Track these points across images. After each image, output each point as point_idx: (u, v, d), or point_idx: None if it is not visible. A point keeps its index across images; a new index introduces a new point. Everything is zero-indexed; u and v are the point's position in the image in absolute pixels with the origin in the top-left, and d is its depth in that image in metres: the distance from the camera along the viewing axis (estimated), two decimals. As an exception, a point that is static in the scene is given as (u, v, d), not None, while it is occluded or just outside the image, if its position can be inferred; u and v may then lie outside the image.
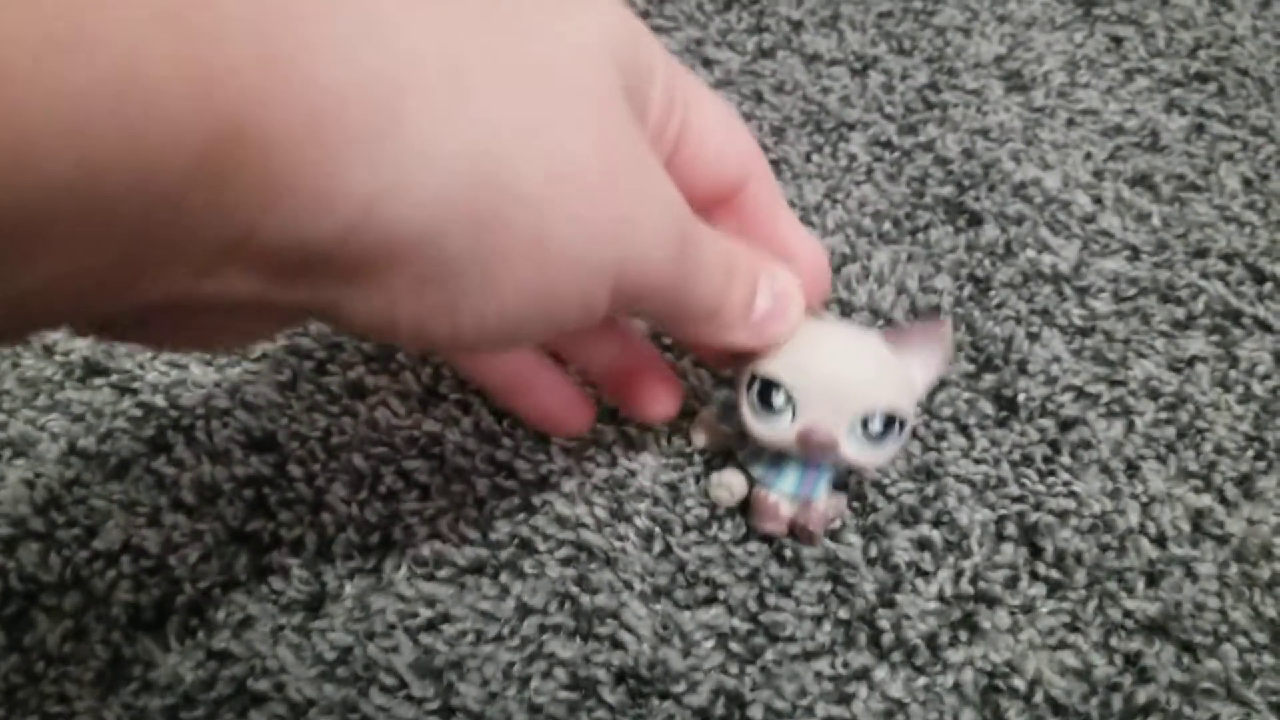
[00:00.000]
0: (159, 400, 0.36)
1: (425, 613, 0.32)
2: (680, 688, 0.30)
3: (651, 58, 0.24)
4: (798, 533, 0.33)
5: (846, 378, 0.29)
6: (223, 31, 0.16)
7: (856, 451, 0.29)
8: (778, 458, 0.32)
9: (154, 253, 0.17)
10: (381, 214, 0.18)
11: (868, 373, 0.29)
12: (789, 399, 0.29)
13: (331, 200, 0.18)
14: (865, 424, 0.29)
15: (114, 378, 0.37)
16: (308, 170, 0.17)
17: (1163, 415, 0.37)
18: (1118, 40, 0.52)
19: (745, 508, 0.34)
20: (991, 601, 0.32)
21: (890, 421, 0.29)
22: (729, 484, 0.33)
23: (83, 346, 0.37)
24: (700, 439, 0.35)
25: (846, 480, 0.34)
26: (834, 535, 0.33)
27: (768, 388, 0.29)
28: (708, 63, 0.50)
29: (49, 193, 0.15)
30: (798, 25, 0.52)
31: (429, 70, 0.18)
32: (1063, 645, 0.31)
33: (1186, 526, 0.34)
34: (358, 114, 0.17)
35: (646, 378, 0.33)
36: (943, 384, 0.37)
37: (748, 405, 0.30)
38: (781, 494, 0.32)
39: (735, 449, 0.34)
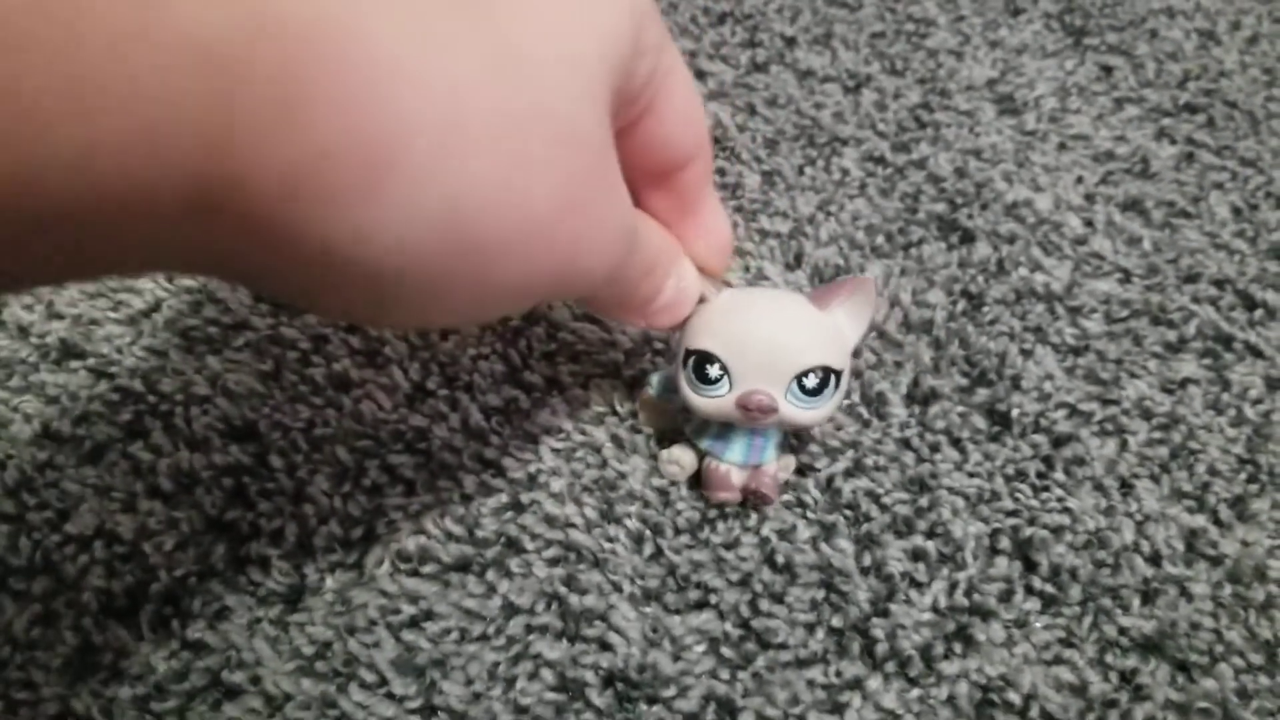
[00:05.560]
0: (137, 385, 0.35)
1: (408, 609, 0.31)
2: (670, 692, 0.30)
3: (648, 36, 0.24)
4: (752, 497, 0.33)
5: (777, 340, 0.30)
6: (244, 86, 0.16)
7: (796, 411, 0.30)
8: (724, 429, 0.32)
9: (141, 255, 0.18)
10: (342, 256, 0.19)
11: (797, 332, 0.30)
12: (724, 369, 0.30)
13: (298, 242, 0.18)
14: (800, 383, 0.30)
15: (91, 361, 0.36)
16: (283, 218, 0.17)
17: (1156, 435, 0.36)
18: (1108, 69, 0.52)
19: (698, 480, 0.34)
20: (986, 614, 0.32)
21: (825, 377, 0.30)
22: (678, 459, 0.33)
23: (59, 328, 0.36)
24: (647, 421, 0.35)
25: (793, 442, 0.35)
26: (827, 540, 0.33)
27: (702, 361, 0.30)
28: (701, 75, 0.50)
29: (38, 217, 0.15)
30: (791, 41, 0.52)
31: (424, 127, 0.18)
32: (1058, 660, 0.31)
33: (1180, 546, 0.33)
34: (345, 174, 0.17)
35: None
36: (936, 397, 0.37)
37: (685, 380, 0.31)
38: (731, 463, 0.32)
39: (681, 424, 0.34)
